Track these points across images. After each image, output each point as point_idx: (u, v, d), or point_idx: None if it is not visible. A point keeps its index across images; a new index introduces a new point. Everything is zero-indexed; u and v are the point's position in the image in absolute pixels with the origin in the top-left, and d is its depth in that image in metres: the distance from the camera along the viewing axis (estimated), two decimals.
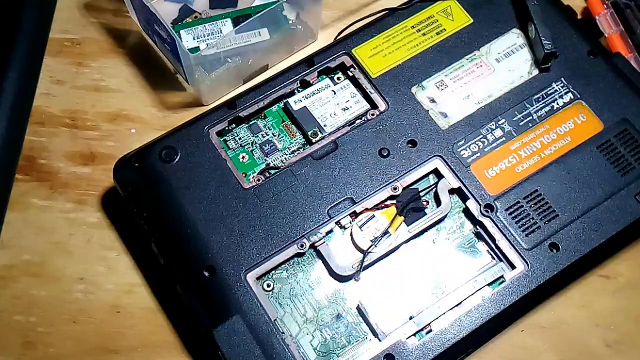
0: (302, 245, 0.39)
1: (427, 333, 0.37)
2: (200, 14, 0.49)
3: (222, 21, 0.47)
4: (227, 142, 0.43)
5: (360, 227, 0.40)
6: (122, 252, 0.43)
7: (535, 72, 0.44)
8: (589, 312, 0.42)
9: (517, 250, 0.39)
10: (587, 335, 0.41)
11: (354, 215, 0.40)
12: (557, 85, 0.43)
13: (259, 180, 0.41)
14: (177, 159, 0.41)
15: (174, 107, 0.48)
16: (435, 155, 0.42)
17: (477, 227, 0.40)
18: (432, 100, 0.43)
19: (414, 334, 0.37)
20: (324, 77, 0.44)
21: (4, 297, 0.42)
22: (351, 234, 0.40)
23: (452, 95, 0.43)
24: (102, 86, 0.48)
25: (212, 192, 0.40)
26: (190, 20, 0.48)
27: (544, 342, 0.41)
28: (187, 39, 0.47)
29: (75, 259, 0.43)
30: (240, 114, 0.43)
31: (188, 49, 0.44)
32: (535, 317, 0.41)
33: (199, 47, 0.47)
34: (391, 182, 0.41)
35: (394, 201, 0.41)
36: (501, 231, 0.40)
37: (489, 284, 0.39)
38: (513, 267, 0.39)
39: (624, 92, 0.43)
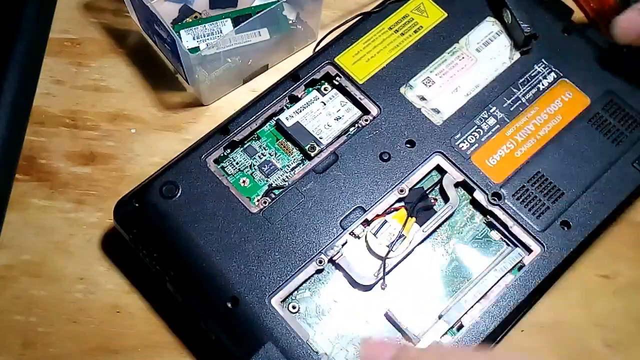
0: (320, 262, 0.39)
1: (459, 329, 0.38)
2: (200, 14, 0.49)
3: (222, 21, 0.47)
4: (225, 169, 0.42)
5: (374, 234, 0.40)
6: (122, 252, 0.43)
7: (516, 56, 0.45)
8: (589, 312, 0.42)
9: (530, 234, 0.40)
10: (587, 335, 0.42)
11: (366, 223, 0.40)
12: (539, 67, 0.44)
13: (265, 202, 0.40)
14: (179, 194, 0.40)
15: (174, 107, 0.48)
16: (435, 152, 0.42)
17: (488, 216, 0.41)
18: (422, 98, 0.43)
19: (447, 332, 0.38)
20: (311, 89, 0.44)
21: (4, 297, 0.42)
22: (367, 243, 0.40)
23: (440, 91, 0.44)
24: (102, 86, 0.48)
25: (220, 222, 0.40)
26: (190, 20, 0.48)
27: (544, 342, 0.41)
28: (187, 39, 0.47)
29: (75, 259, 0.43)
30: (234, 139, 0.42)
31: (188, 49, 0.44)
32: (535, 317, 0.41)
33: (199, 47, 0.47)
34: (397, 185, 0.41)
35: (403, 203, 0.41)
36: (512, 217, 0.40)
37: (509, 271, 0.39)
38: (530, 250, 0.39)
39: (603, 64, 0.44)
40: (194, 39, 0.47)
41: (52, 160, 0.45)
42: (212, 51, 0.44)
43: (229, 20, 0.48)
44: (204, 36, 0.47)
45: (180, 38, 0.47)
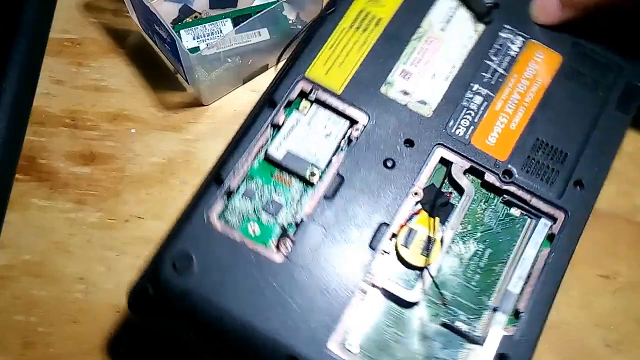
0: (363, 291, 0.37)
1: (517, 316, 0.37)
2: (200, 14, 0.49)
3: (222, 21, 0.48)
4: (230, 221, 0.39)
5: (405, 245, 0.38)
6: (122, 252, 0.43)
7: (480, 27, 0.44)
8: (589, 312, 0.43)
9: (550, 203, 0.40)
10: (587, 335, 0.43)
11: (393, 236, 0.39)
12: (504, 34, 0.44)
13: (286, 246, 0.38)
14: (194, 264, 0.36)
15: (174, 107, 0.48)
16: (435, 145, 0.41)
17: (505, 195, 0.40)
18: (405, 93, 0.42)
19: (507, 324, 0.37)
20: (291, 110, 0.41)
21: (4, 297, 0.42)
22: (401, 257, 0.38)
23: (420, 81, 0.42)
24: (102, 86, 0.48)
25: (249, 281, 0.36)
26: (191, 20, 0.48)
27: (544, 342, 0.41)
28: (187, 39, 0.48)
29: (75, 259, 0.43)
30: (230, 185, 0.39)
31: (188, 49, 0.44)
32: None
33: (199, 47, 0.45)
34: (410, 188, 0.39)
35: (420, 206, 0.40)
36: (528, 191, 0.40)
37: (542, 244, 0.39)
38: (554, 219, 0.40)
39: None
40: (194, 39, 0.47)
41: (52, 160, 0.46)
42: (212, 51, 0.43)
43: (229, 20, 0.48)
44: (204, 36, 0.47)
45: (180, 38, 0.47)
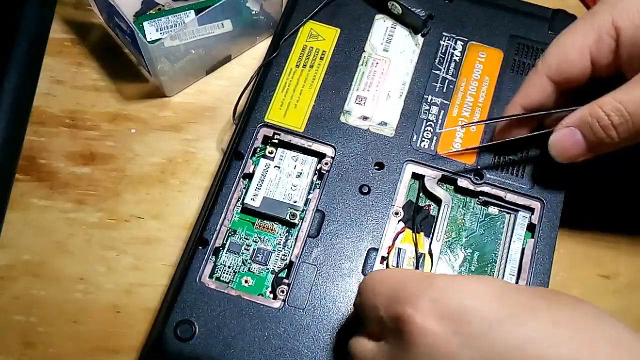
0: None
1: None
2: (163, 6, 0.49)
3: (185, 13, 0.48)
4: (222, 278, 0.39)
5: (397, 266, 0.39)
6: (122, 252, 0.43)
7: (420, 40, 0.45)
8: None
9: (524, 195, 0.41)
10: None
11: (384, 259, 0.39)
12: (444, 41, 0.45)
13: (283, 292, 0.38)
14: (196, 329, 0.36)
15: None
16: (404, 163, 0.41)
17: (480, 197, 0.41)
18: (365, 118, 0.43)
19: None
20: (258, 158, 0.42)
21: (4, 297, 0.42)
22: None
23: (376, 103, 0.43)
24: (101, 86, 0.48)
25: (253, 333, 0.37)
26: (154, 12, 0.48)
27: None
28: (150, 31, 0.47)
29: (75, 259, 0.43)
30: (216, 245, 0.39)
31: (152, 41, 0.44)
32: None
33: (162, 39, 0.44)
34: (389, 210, 0.40)
35: (403, 224, 0.40)
36: (501, 187, 0.41)
37: (525, 237, 0.40)
38: (531, 210, 0.41)
39: (494, 15, 0.46)
40: (157, 30, 0.47)
41: (52, 160, 0.46)
42: (175, 42, 0.43)
43: (192, 12, 0.48)
44: (167, 28, 0.47)
45: (144, 30, 0.47)
